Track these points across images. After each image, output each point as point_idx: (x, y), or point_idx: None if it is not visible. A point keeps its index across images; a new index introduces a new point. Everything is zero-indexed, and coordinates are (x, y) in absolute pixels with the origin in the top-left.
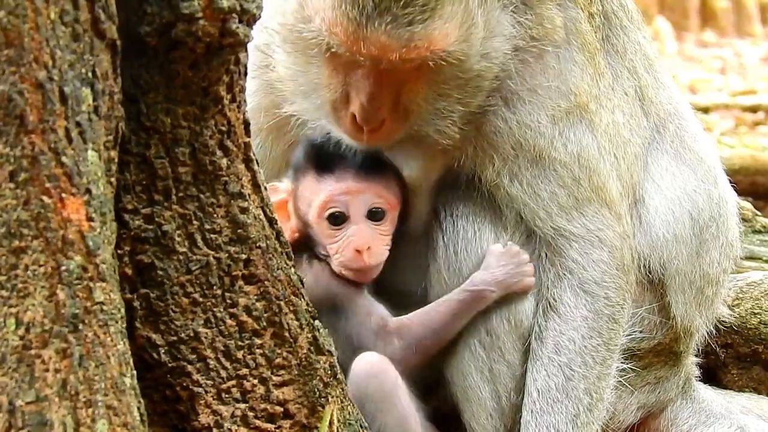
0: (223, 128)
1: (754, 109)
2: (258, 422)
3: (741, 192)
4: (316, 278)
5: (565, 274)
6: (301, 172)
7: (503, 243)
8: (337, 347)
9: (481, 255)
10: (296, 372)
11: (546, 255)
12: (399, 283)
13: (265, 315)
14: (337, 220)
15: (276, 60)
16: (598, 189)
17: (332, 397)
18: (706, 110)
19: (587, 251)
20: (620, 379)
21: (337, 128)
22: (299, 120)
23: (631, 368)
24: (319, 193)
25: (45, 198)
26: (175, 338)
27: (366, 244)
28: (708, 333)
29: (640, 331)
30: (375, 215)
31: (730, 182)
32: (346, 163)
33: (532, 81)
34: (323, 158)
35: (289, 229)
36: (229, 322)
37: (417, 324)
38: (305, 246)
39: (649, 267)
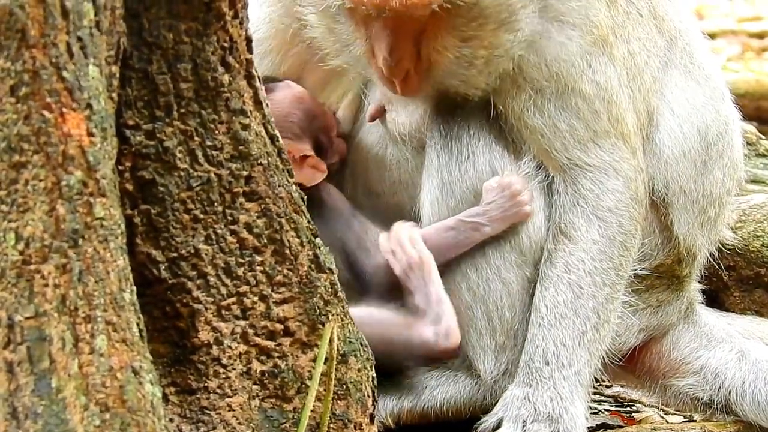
0: (226, 44)
1: (760, 36)
2: (258, 339)
3: (746, 116)
4: None
5: (578, 201)
6: None
7: (509, 169)
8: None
9: (476, 178)
10: (297, 290)
11: (559, 182)
12: (393, 205)
13: (266, 232)
14: None
15: (309, 21)
16: (616, 122)
17: (333, 315)
18: (712, 36)
19: (601, 180)
20: (623, 299)
21: (376, 79)
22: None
23: (633, 288)
24: None
25: (46, 113)
26: (175, 255)
27: None
28: (710, 256)
29: (641, 251)
30: None
31: (736, 107)
32: None
33: (560, 14)
34: None
35: None
36: (229, 239)
37: None
38: None
39: (652, 188)
